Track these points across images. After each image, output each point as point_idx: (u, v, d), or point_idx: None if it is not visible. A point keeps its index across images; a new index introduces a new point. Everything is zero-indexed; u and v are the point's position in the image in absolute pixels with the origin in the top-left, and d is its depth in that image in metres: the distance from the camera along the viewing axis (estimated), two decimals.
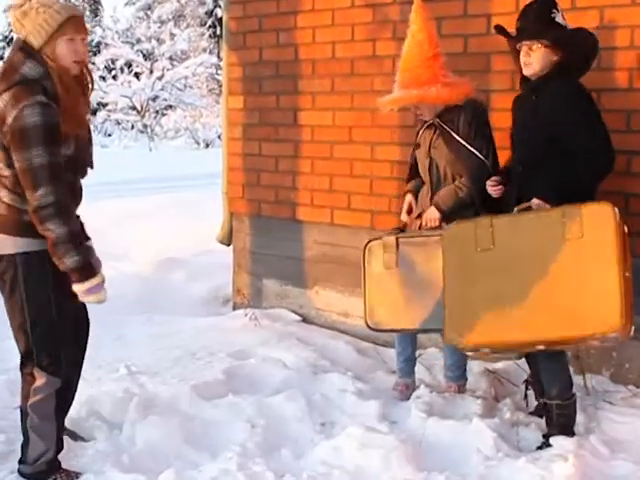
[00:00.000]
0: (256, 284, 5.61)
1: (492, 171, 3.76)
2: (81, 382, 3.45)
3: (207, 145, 30.49)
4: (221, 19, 6.28)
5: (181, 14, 36.90)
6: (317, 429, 3.62)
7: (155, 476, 3.09)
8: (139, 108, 32.02)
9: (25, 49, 2.98)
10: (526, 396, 3.75)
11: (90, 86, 3.19)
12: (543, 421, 3.57)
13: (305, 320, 5.29)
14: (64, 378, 3.13)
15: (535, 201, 3.31)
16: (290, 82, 5.27)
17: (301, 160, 5.26)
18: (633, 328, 3.15)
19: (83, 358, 3.45)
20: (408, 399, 3.94)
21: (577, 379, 3.70)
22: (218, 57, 29.17)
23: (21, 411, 3.17)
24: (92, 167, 3.22)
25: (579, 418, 3.52)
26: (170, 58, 33.00)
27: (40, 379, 3.08)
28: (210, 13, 36.23)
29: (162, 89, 31.72)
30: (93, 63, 32.28)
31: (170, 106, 32.95)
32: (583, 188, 3.31)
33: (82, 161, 3.13)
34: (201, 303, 6.02)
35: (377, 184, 4.88)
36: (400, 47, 3.93)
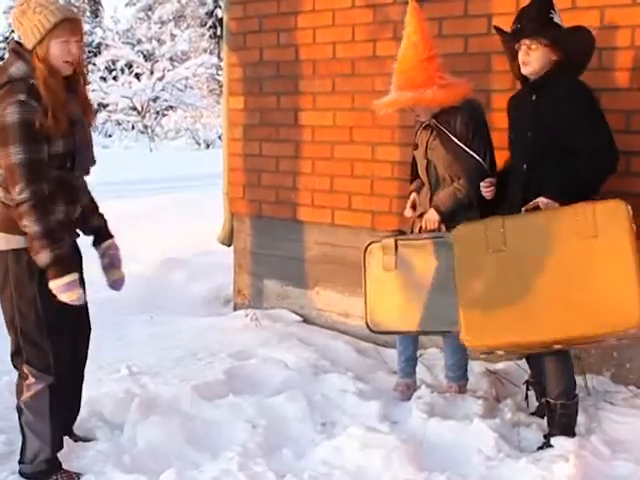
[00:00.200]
0: (257, 284, 5.61)
1: (490, 172, 3.76)
2: None
3: (208, 146, 30.49)
4: (221, 20, 6.29)
5: (182, 15, 36.92)
6: (318, 429, 3.62)
7: (156, 476, 3.10)
8: (140, 109, 32.02)
9: (16, 50, 3.06)
10: (527, 396, 3.75)
11: (85, 86, 3.25)
12: (544, 421, 3.57)
13: (306, 320, 5.29)
14: (55, 375, 3.14)
15: (543, 200, 3.30)
16: (291, 82, 5.27)
17: (302, 160, 5.27)
18: None
19: (85, 359, 3.46)
20: (409, 399, 3.95)
21: (578, 379, 3.69)
22: (219, 58, 29.17)
23: (17, 408, 3.19)
24: (93, 163, 3.26)
25: (580, 418, 3.51)
26: (171, 59, 33.01)
27: (30, 375, 3.12)
28: (210, 14, 36.24)
29: (163, 90, 31.72)
30: (94, 64, 32.32)
31: (171, 107, 32.96)
32: (588, 186, 3.31)
33: (82, 159, 3.15)
34: (202, 303, 6.02)
35: (378, 184, 4.88)
36: None
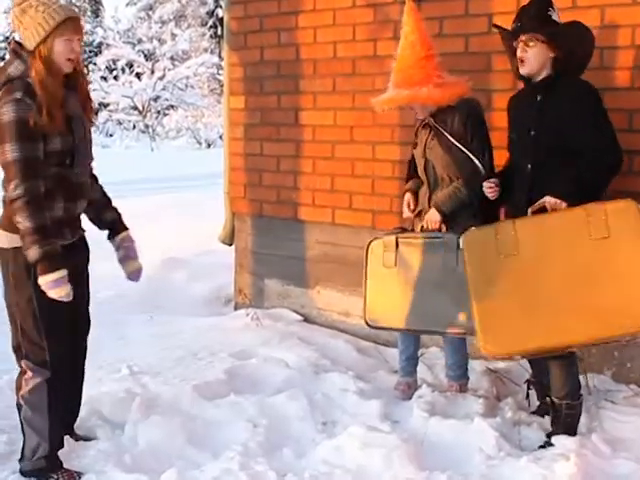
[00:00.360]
0: (258, 284, 5.61)
1: (489, 172, 3.75)
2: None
3: (209, 145, 30.50)
4: (222, 19, 6.28)
5: (182, 14, 36.88)
6: (319, 428, 3.62)
7: (157, 476, 3.10)
8: (141, 108, 32.02)
9: (14, 49, 3.08)
10: (528, 395, 3.75)
11: (85, 84, 3.27)
12: (545, 420, 3.57)
13: (307, 320, 5.29)
14: (53, 369, 3.15)
15: (550, 200, 3.28)
16: (291, 82, 5.27)
17: (302, 160, 5.27)
18: None
19: (84, 356, 3.47)
20: (410, 398, 3.95)
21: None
22: (219, 57, 29.15)
23: (17, 405, 3.21)
24: (91, 160, 3.29)
25: (581, 417, 3.51)
26: (171, 58, 33.01)
27: (28, 369, 3.15)
28: (211, 13, 36.21)
29: (163, 89, 31.72)
30: (94, 64, 32.32)
31: (171, 106, 32.96)
32: (593, 186, 3.30)
33: (81, 156, 3.17)
34: (203, 303, 6.02)
35: (378, 184, 4.88)
36: None
